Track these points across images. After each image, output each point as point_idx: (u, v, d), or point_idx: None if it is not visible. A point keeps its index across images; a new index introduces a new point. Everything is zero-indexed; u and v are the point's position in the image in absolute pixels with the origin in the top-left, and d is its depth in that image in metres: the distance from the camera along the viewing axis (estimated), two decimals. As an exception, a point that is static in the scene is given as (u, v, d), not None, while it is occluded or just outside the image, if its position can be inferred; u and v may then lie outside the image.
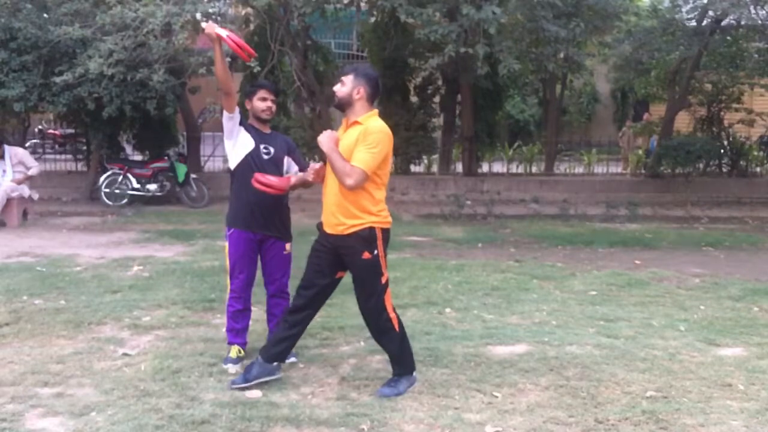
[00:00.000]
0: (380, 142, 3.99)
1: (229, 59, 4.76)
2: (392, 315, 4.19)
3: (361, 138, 4.00)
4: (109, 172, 12.47)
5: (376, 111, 4.17)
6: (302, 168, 4.74)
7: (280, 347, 4.24)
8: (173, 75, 11.61)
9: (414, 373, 4.28)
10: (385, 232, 4.13)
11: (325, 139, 4.08)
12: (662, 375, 4.48)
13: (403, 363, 4.22)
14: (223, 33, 4.36)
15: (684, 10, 13.97)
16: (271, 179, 4.42)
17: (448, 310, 5.98)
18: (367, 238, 4.04)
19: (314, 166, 4.39)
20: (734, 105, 15.40)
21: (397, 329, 4.20)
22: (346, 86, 4.14)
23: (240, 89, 9.41)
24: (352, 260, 4.10)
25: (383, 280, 4.13)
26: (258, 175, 4.40)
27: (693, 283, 7.16)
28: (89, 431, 3.62)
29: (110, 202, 12.25)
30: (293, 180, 4.52)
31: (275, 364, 4.24)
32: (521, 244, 9.49)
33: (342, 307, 6.03)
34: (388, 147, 4.05)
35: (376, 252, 4.06)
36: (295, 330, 4.27)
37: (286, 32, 12.39)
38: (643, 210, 12.27)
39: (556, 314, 5.92)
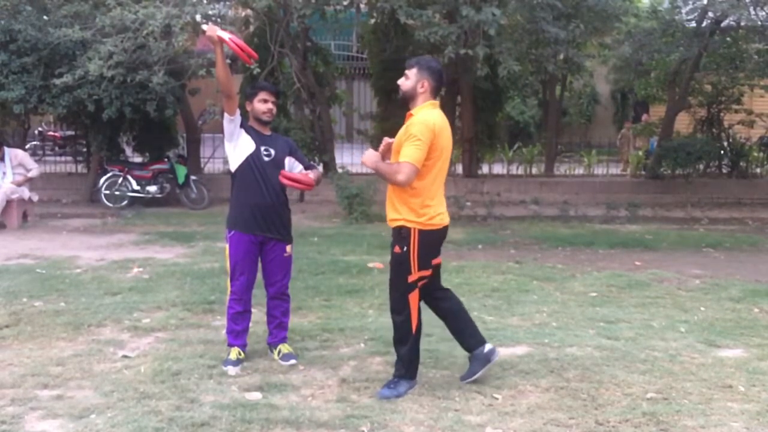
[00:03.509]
0: (420, 133, 3.98)
1: (228, 61, 4.76)
2: (413, 315, 4.17)
3: (405, 132, 4.06)
4: (109, 174, 12.47)
5: (431, 102, 4.16)
6: (306, 166, 4.77)
7: (467, 340, 4.34)
8: (173, 77, 11.61)
9: (414, 378, 4.26)
10: (425, 233, 4.09)
11: (366, 157, 4.16)
12: (663, 376, 4.47)
13: (407, 366, 4.21)
14: (225, 36, 4.36)
15: (684, 11, 13.97)
16: (298, 175, 4.54)
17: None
18: (398, 235, 4.11)
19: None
20: (734, 106, 15.39)
21: (413, 332, 4.18)
22: (410, 80, 4.15)
23: (240, 91, 9.40)
24: (390, 251, 4.18)
25: (410, 279, 4.12)
26: (285, 173, 4.50)
27: (693, 284, 7.15)
28: (89, 434, 3.62)
29: (110, 204, 12.25)
30: (312, 176, 4.61)
31: (486, 350, 4.28)
32: (521, 245, 9.48)
33: (342, 308, 6.04)
34: (430, 137, 4.00)
35: (406, 249, 4.08)
36: (459, 318, 4.35)
37: (285, 34, 12.40)
38: (643, 211, 12.26)
39: (557, 316, 5.91)
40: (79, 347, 4.94)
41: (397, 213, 4.11)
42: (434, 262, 4.28)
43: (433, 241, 4.17)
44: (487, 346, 4.33)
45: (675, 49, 13.85)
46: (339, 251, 8.61)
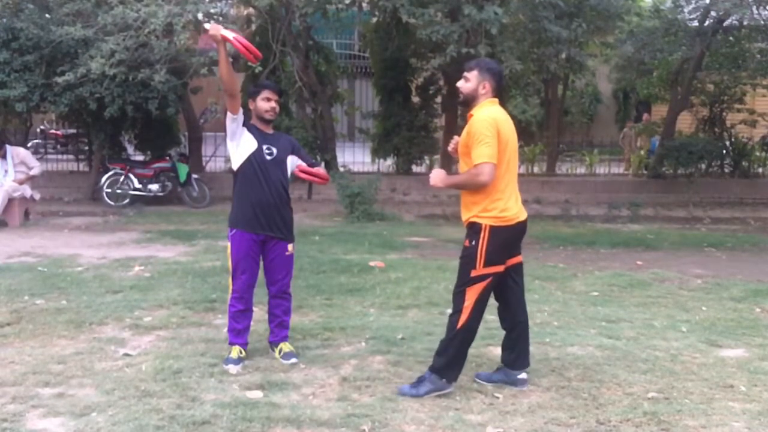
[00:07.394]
0: (485, 129, 3.96)
1: (230, 59, 4.76)
2: (465, 312, 4.11)
3: (467, 135, 4.05)
4: (110, 173, 12.47)
5: (489, 100, 4.12)
6: (310, 164, 4.79)
7: (509, 356, 4.32)
8: (175, 75, 11.62)
9: (447, 382, 4.15)
10: (497, 230, 4.04)
11: (435, 179, 4.18)
12: (664, 376, 4.47)
13: (443, 362, 4.14)
14: (230, 35, 4.34)
15: (686, 10, 13.96)
16: (315, 169, 4.72)
17: (449, 310, 5.93)
18: (470, 229, 4.11)
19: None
20: (736, 105, 15.39)
21: (458, 327, 4.13)
22: (470, 82, 4.13)
23: (242, 90, 9.41)
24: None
25: (473, 273, 4.07)
26: (302, 167, 4.66)
27: (695, 284, 7.15)
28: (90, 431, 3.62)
29: (112, 203, 12.26)
30: (322, 171, 4.80)
31: (519, 376, 4.28)
32: (523, 244, 9.43)
33: (343, 307, 6.04)
34: (493, 131, 3.96)
35: (474, 242, 4.06)
36: (513, 335, 4.33)
37: (287, 32, 12.40)
38: (645, 211, 12.27)
39: (558, 315, 5.91)
40: (80, 345, 4.95)
41: (469, 212, 4.11)
42: (511, 261, 4.22)
43: (505, 238, 4.10)
44: (523, 375, 4.30)
45: (677, 48, 13.84)
46: (340, 250, 8.61)
